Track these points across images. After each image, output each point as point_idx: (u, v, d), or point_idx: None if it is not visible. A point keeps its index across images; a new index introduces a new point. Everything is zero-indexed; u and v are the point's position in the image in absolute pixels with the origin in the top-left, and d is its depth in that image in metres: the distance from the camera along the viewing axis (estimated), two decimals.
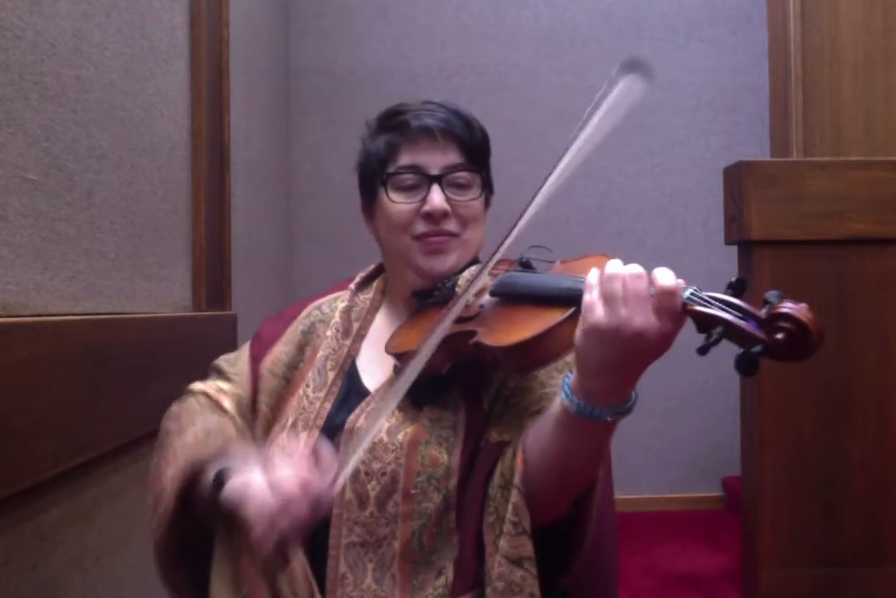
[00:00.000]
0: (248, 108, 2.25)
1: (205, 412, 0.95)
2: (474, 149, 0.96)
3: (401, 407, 0.90)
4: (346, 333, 1.01)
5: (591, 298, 0.71)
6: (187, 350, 1.45)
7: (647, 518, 2.85)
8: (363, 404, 0.93)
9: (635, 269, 0.70)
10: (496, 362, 0.83)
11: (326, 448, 0.78)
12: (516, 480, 0.79)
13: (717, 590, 2.19)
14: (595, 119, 0.76)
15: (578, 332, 0.72)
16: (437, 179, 0.93)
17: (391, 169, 0.95)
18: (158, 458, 0.92)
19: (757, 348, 0.64)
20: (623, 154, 3.03)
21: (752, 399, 1.90)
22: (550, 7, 3.08)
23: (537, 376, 0.91)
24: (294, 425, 0.93)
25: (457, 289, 0.93)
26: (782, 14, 2.48)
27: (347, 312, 1.02)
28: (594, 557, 0.90)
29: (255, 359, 1.02)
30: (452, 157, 0.94)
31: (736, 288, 0.69)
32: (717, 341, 0.66)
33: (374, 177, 0.98)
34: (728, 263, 2.08)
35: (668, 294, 0.68)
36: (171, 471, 0.87)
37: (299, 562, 0.84)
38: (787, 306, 0.64)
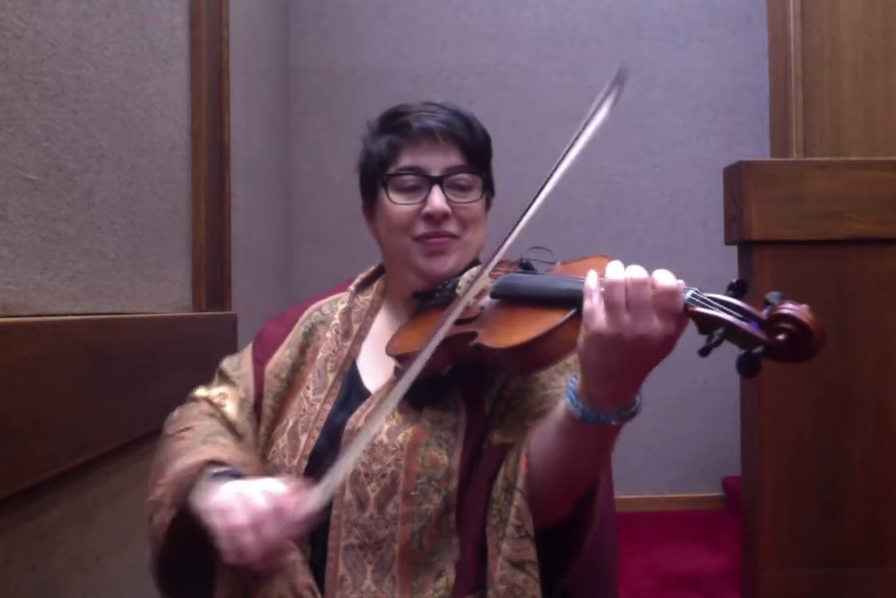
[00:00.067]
0: (248, 108, 2.25)
1: (203, 420, 0.95)
2: (475, 151, 0.96)
3: (401, 408, 0.90)
4: (345, 334, 1.01)
5: (592, 305, 0.70)
6: (187, 350, 1.45)
7: (647, 518, 2.85)
8: (364, 406, 0.92)
9: (637, 274, 0.69)
10: (497, 364, 0.83)
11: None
12: (519, 483, 0.79)
13: (717, 590, 2.19)
14: (595, 121, 0.76)
15: (581, 339, 0.72)
16: (438, 181, 0.93)
17: (392, 170, 0.95)
18: (154, 467, 0.91)
19: (758, 349, 0.64)
20: (623, 154, 3.03)
21: (752, 399, 1.90)
22: (550, 7, 3.08)
23: (538, 378, 0.91)
24: (294, 426, 0.93)
25: (457, 290, 0.93)
26: (782, 14, 2.48)
27: (347, 313, 1.02)
28: (594, 557, 0.90)
29: (259, 361, 1.01)
30: (453, 158, 0.94)
31: (737, 289, 0.69)
32: (718, 343, 0.66)
33: (374, 178, 0.98)
34: (728, 263, 2.08)
35: (669, 294, 0.68)
36: (163, 481, 0.86)
37: (299, 565, 0.84)
38: (789, 308, 0.64)
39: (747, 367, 0.64)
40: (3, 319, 0.88)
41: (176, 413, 0.99)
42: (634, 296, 0.68)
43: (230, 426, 0.96)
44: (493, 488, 0.83)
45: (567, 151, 0.78)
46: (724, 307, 0.67)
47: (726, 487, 2.97)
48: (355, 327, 1.02)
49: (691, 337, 0.72)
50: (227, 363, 1.04)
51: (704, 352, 0.65)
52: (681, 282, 0.70)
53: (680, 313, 0.68)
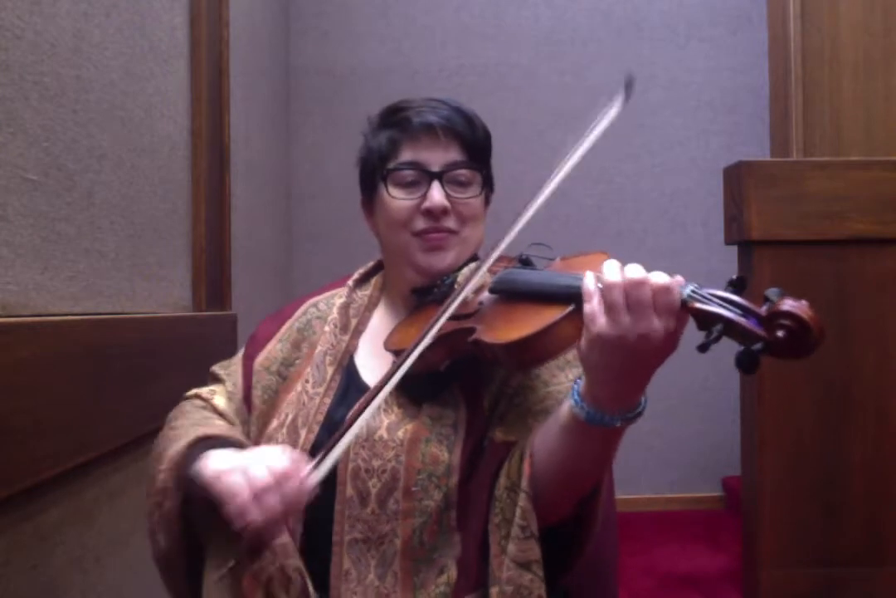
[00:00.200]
0: (248, 108, 2.25)
1: (195, 413, 0.96)
2: (476, 146, 0.96)
3: (401, 404, 0.90)
4: (343, 328, 1.01)
5: (592, 307, 0.70)
6: (187, 350, 1.45)
7: (647, 518, 2.85)
8: (362, 400, 0.92)
9: (635, 274, 0.69)
10: (495, 359, 0.83)
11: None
12: (524, 484, 0.79)
13: (717, 590, 2.19)
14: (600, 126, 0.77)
15: (583, 341, 0.72)
16: (438, 176, 0.93)
17: (392, 165, 0.95)
18: (152, 459, 0.91)
19: (757, 346, 0.64)
20: (623, 154, 3.03)
21: (752, 399, 1.90)
22: (550, 7, 3.08)
23: (540, 375, 0.91)
24: (294, 421, 0.93)
25: (455, 286, 0.93)
26: (782, 14, 2.48)
27: (345, 308, 1.03)
28: (594, 557, 0.90)
29: (249, 357, 1.02)
30: (453, 154, 0.94)
31: (737, 285, 0.68)
32: (717, 339, 0.66)
33: (374, 172, 0.98)
34: (728, 263, 2.08)
35: (665, 292, 0.68)
36: (162, 474, 0.86)
37: (290, 548, 0.84)
38: (788, 304, 0.64)
39: (746, 363, 0.64)
40: (3, 319, 0.88)
41: (171, 414, 1.00)
42: (633, 296, 0.68)
43: (221, 417, 0.97)
44: (495, 486, 0.83)
45: (572, 153, 0.78)
46: (724, 303, 0.67)
47: (726, 487, 2.97)
48: (353, 321, 1.02)
49: (691, 334, 0.72)
50: (218, 366, 1.06)
51: (703, 348, 0.65)
52: (679, 277, 0.70)
53: (678, 309, 0.68)
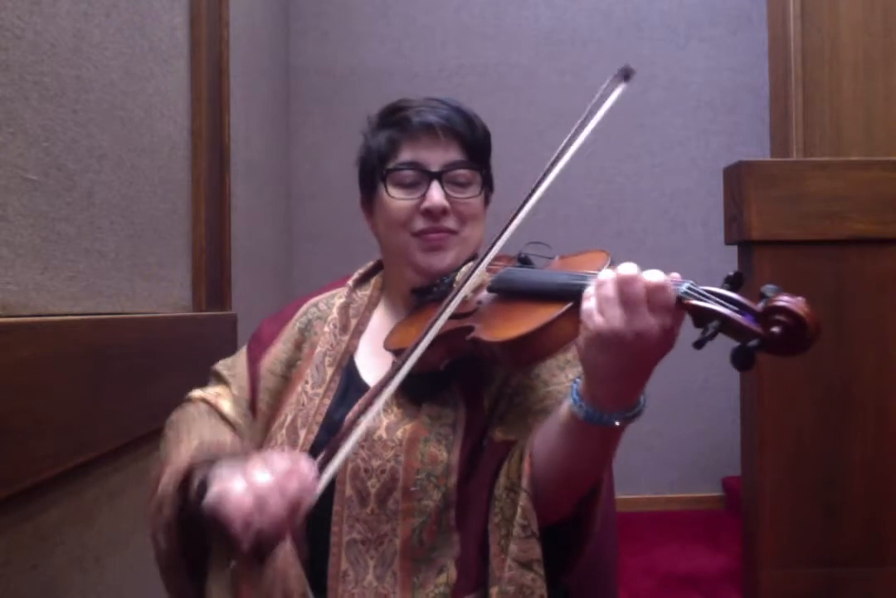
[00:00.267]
0: (248, 108, 2.25)
1: (201, 420, 0.95)
2: (475, 146, 0.96)
3: (400, 404, 0.90)
4: (343, 329, 1.01)
5: (590, 305, 0.70)
6: (187, 350, 1.45)
7: (647, 518, 2.85)
8: (362, 400, 0.92)
9: (627, 270, 0.69)
10: (494, 358, 0.83)
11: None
12: (524, 483, 0.79)
13: (717, 590, 2.19)
14: (591, 122, 0.77)
15: (581, 340, 0.72)
16: (437, 176, 0.93)
17: (391, 165, 0.95)
18: (156, 469, 0.91)
19: (753, 342, 0.63)
20: (623, 154, 3.03)
21: (752, 399, 1.89)
22: (550, 7, 3.08)
23: (540, 375, 0.91)
24: (293, 421, 0.93)
25: (455, 286, 0.93)
26: (782, 14, 2.48)
27: (345, 308, 1.02)
28: (594, 557, 0.90)
29: (253, 360, 1.02)
30: (453, 154, 0.94)
31: (733, 282, 0.68)
32: (713, 335, 0.65)
33: (374, 172, 0.98)
34: (728, 263, 2.07)
35: (658, 289, 0.68)
36: (164, 479, 0.86)
37: (291, 561, 0.84)
38: (784, 300, 0.63)
39: (742, 360, 0.64)
40: (3, 319, 0.88)
41: (174, 416, 0.99)
42: (626, 292, 0.68)
43: (228, 424, 0.96)
44: (495, 485, 0.83)
45: (569, 142, 0.78)
46: (719, 300, 0.67)
47: (726, 487, 2.97)
48: (353, 321, 1.02)
49: (688, 332, 0.72)
50: (222, 365, 1.05)
51: (699, 345, 0.65)
52: (675, 274, 0.70)
53: (673, 306, 0.68)
